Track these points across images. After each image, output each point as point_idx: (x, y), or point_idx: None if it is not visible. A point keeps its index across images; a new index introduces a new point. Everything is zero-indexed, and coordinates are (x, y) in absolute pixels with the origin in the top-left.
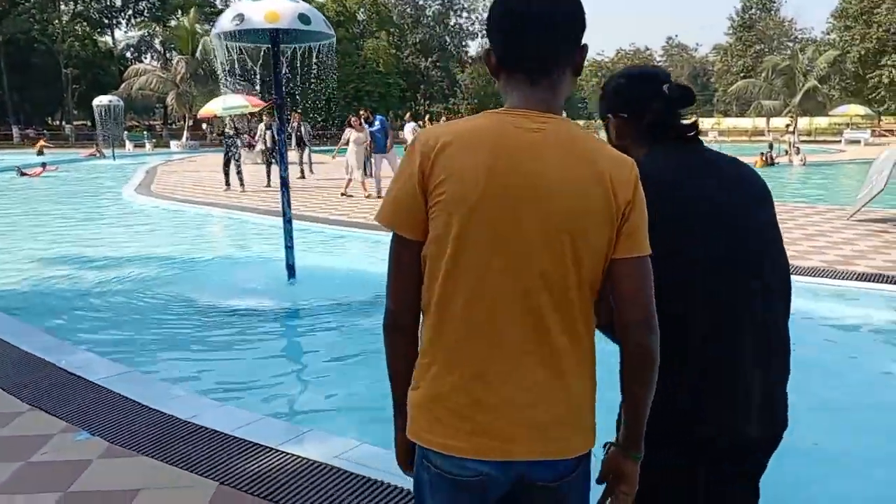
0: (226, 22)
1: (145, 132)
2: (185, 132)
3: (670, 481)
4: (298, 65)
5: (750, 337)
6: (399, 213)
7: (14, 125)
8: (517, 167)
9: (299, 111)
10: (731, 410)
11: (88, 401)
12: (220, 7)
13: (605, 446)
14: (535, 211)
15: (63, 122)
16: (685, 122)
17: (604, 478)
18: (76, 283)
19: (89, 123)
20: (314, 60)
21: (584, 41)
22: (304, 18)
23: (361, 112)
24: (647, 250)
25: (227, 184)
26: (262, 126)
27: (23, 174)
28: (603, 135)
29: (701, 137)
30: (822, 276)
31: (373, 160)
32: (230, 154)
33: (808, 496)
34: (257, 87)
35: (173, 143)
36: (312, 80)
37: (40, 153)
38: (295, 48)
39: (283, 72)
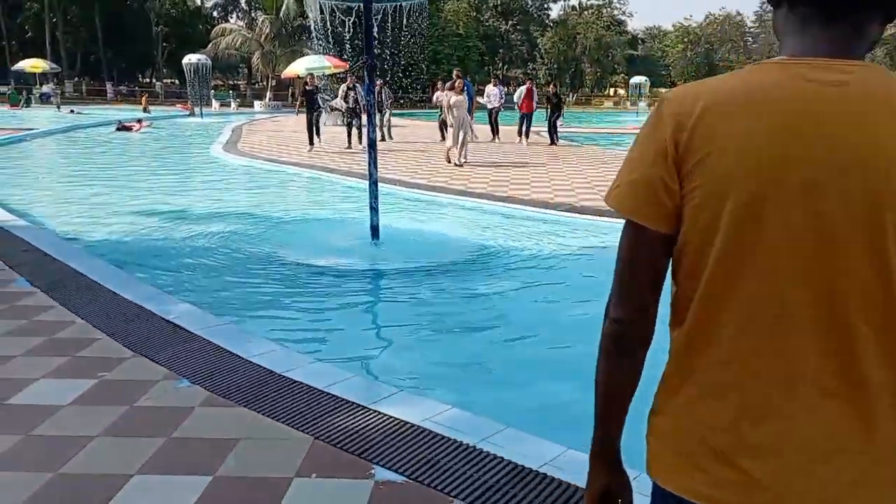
0: None
1: (230, 91)
2: (268, 92)
3: None
4: (389, 26)
5: None
6: (641, 197)
7: (108, 82)
8: (817, 134)
9: (387, 78)
10: None
11: (187, 350)
12: None
13: None
14: (845, 192)
15: (153, 80)
16: None
17: None
18: (171, 236)
19: (177, 81)
20: (405, 21)
21: None
22: None
23: (456, 73)
24: None
25: (311, 143)
26: (344, 86)
27: (122, 128)
28: None
29: None
30: None
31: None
32: (314, 113)
33: None
34: (347, 49)
35: (256, 104)
36: (401, 42)
37: (146, 110)
38: (385, 8)
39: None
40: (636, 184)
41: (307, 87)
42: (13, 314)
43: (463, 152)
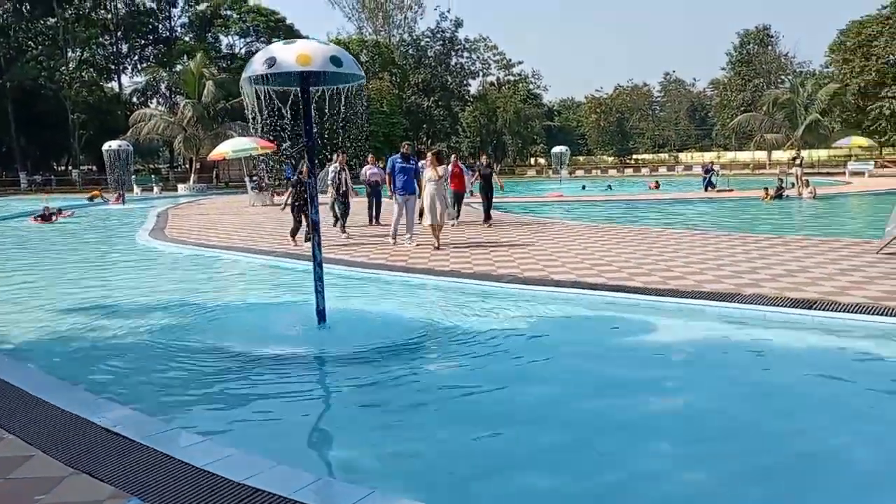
0: (257, 65)
1: (152, 176)
2: (192, 175)
3: None
4: (326, 107)
5: None
6: None
7: (21, 172)
8: None
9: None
10: None
11: (133, 462)
12: (225, 52)
13: None
14: None
15: (70, 168)
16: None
17: None
18: (103, 334)
19: (95, 168)
20: (343, 102)
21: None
22: (335, 60)
23: (405, 148)
24: None
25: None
26: (334, 166)
27: (42, 217)
28: None
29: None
30: (872, 314)
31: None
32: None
33: None
34: (286, 132)
35: (181, 187)
36: (334, 122)
37: (91, 199)
38: (322, 90)
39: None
40: None
41: (300, 177)
42: None
43: (407, 235)
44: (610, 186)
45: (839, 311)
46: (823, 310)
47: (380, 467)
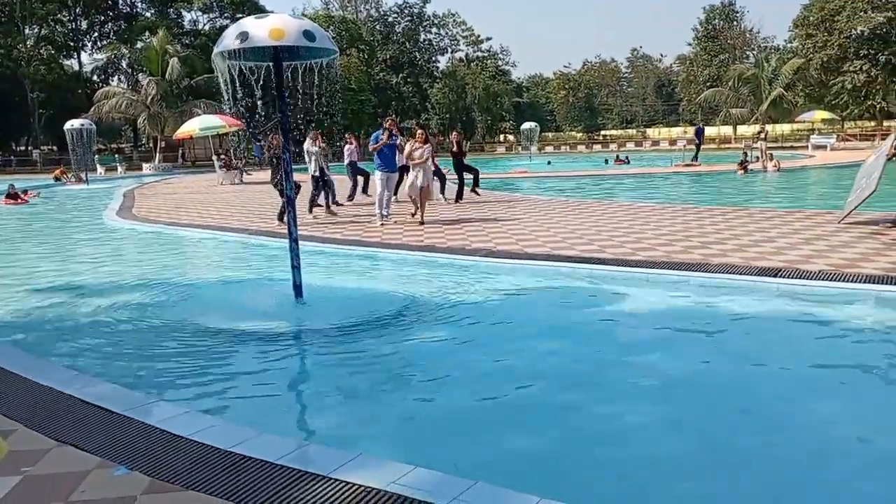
0: (229, 40)
1: (116, 155)
2: (156, 154)
3: None
4: (299, 83)
5: None
6: None
7: None
8: None
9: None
10: None
11: (118, 434)
12: (188, 28)
13: None
14: None
15: (30, 148)
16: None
17: None
18: (79, 313)
19: (56, 148)
20: (316, 77)
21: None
22: (308, 35)
23: (388, 123)
24: None
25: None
26: (307, 143)
27: (10, 196)
28: None
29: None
30: (833, 280)
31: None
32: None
33: None
34: (259, 107)
35: (145, 166)
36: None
37: (57, 179)
38: (295, 65)
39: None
40: None
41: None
42: None
43: (387, 210)
44: (607, 160)
45: (803, 279)
46: (788, 277)
47: (363, 433)
